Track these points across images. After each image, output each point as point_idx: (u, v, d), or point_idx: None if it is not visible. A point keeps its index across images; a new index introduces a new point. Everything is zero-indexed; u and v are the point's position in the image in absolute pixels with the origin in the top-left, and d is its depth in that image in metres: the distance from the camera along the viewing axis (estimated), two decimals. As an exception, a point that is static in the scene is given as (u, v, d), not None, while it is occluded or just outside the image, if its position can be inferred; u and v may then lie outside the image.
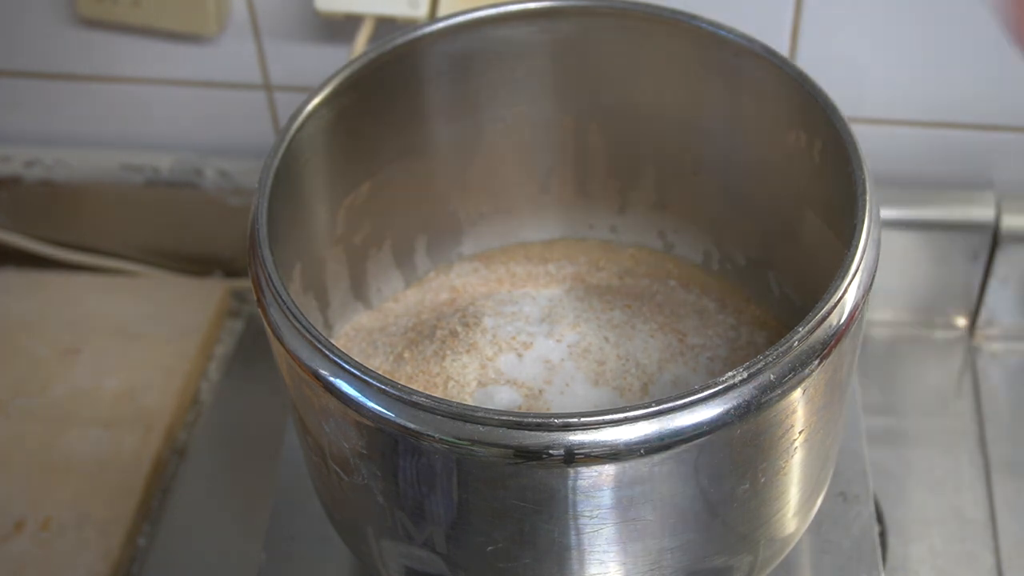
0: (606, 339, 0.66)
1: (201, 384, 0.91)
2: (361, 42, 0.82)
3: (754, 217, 0.71)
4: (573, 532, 0.52)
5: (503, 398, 0.63)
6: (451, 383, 0.64)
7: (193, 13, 0.86)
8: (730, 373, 0.49)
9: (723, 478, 0.52)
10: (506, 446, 0.48)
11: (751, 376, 0.49)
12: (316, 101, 0.63)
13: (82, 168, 0.95)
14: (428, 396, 0.49)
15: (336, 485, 0.58)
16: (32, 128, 0.97)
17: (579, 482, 0.50)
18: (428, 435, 0.49)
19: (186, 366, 0.90)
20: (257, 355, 0.93)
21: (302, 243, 0.66)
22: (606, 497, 0.51)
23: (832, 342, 0.51)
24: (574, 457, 0.48)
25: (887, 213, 0.84)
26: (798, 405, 0.52)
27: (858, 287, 0.53)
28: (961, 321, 0.91)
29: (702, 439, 0.49)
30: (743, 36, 0.64)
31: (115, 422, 0.86)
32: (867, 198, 0.55)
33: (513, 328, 0.66)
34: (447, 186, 0.74)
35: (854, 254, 0.53)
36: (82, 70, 0.93)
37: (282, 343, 0.53)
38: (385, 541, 0.58)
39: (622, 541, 0.53)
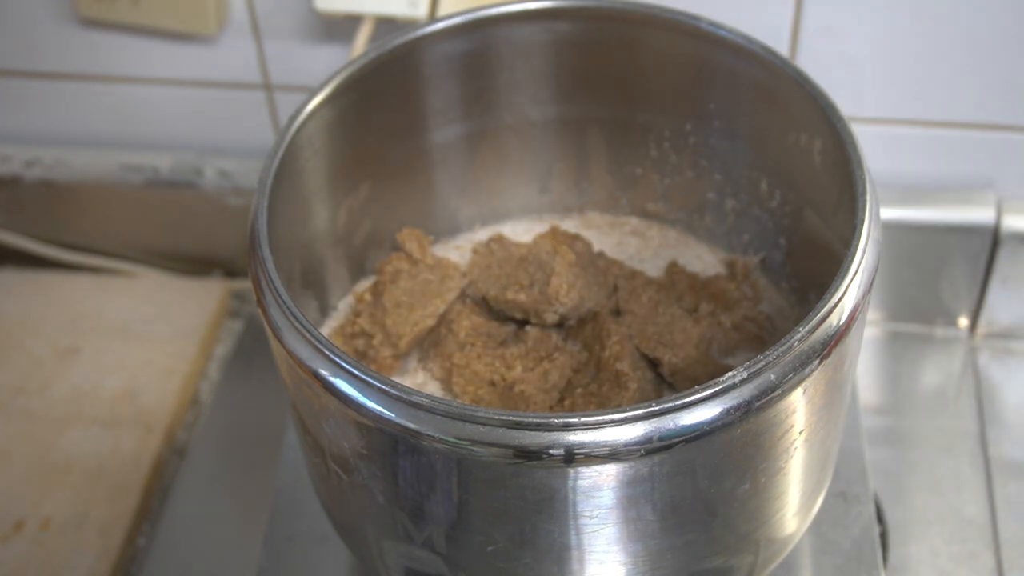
0: None
1: (201, 384, 0.91)
2: (361, 42, 0.82)
3: (754, 217, 0.71)
4: (573, 532, 0.52)
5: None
6: None
7: (193, 13, 0.86)
8: (730, 373, 0.49)
9: (723, 478, 0.52)
10: (506, 446, 0.48)
11: (751, 376, 0.49)
12: (316, 101, 0.63)
13: (82, 168, 0.95)
14: (428, 396, 0.49)
15: (336, 485, 0.58)
16: (32, 128, 0.97)
17: (579, 482, 0.50)
18: (428, 435, 0.49)
19: (186, 366, 0.90)
20: (257, 355, 0.93)
21: (302, 243, 0.66)
22: (606, 497, 0.51)
23: (832, 342, 0.51)
24: (574, 457, 0.48)
25: (887, 213, 0.84)
26: (798, 405, 0.52)
27: (858, 287, 0.53)
28: (961, 321, 0.91)
29: (702, 439, 0.49)
30: (743, 36, 0.64)
31: (115, 422, 0.86)
32: (867, 198, 0.55)
33: None
34: (447, 186, 0.74)
35: (854, 254, 0.53)
36: (82, 70, 0.93)
37: (282, 343, 0.53)
38: (385, 541, 0.58)
39: (622, 541, 0.53)
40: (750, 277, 0.71)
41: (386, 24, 0.82)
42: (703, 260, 0.74)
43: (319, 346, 0.51)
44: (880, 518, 0.78)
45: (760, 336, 0.68)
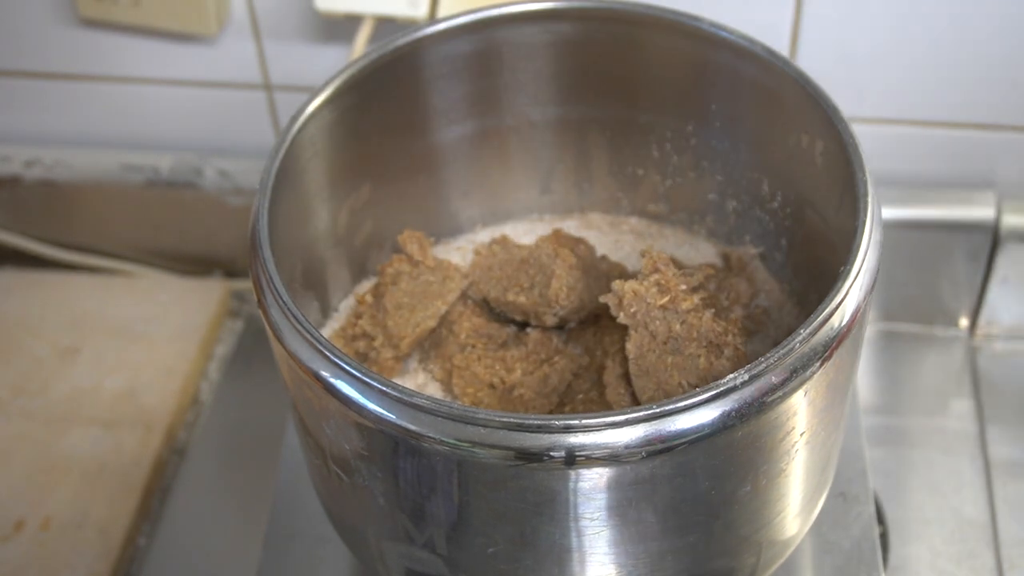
0: None
1: (201, 384, 0.91)
2: (361, 42, 0.82)
3: (755, 218, 0.71)
4: (574, 534, 0.52)
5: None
6: None
7: (193, 13, 0.86)
8: (731, 375, 0.49)
9: (724, 480, 0.52)
10: (507, 448, 0.48)
11: (752, 378, 0.49)
12: (317, 102, 0.63)
13: (82, 168, 0.95)
14: (429, 398, 0.49)
15: (337, 486, 0.58)
16: (32, 128, 0.97)
17: (580, 484, 0.50)
18: (429, 437, 0.49)
19: (186, 366, 0.90)
20: (257, 355, 0.93)
21: (303, 243, 0.66)
22: (607, 499, 0.51)
23: (834, 344, 0.51)
24: (575, 459, 0.48)
25: (887, 213, 0.83)
26: (799, 407, 0.52)
27: (860, 289, 0.53)
28: (961, 321, 0.91)
29: (703, 441, 0.49)
30: (743, 37, 0.64)
31: (115, 422, 0.86)
32: (867, 198, 0.55)
33: None
34: (447, 187, 0.74)
35: (855, 255, 0.53)
36: (82, 70, 0.93)
37: (282, 344, 0.53)
38: (386, 542, 0.58)
39: (623, 543, 0.53)
40: (746, 269, 0.71)
41: (386, 24, 0.82)
42: (704, 260, 0.74)
43: (320, 347, 0.51)
44: (880, 518, 0.78)
45: (759, 332, 0.68)
